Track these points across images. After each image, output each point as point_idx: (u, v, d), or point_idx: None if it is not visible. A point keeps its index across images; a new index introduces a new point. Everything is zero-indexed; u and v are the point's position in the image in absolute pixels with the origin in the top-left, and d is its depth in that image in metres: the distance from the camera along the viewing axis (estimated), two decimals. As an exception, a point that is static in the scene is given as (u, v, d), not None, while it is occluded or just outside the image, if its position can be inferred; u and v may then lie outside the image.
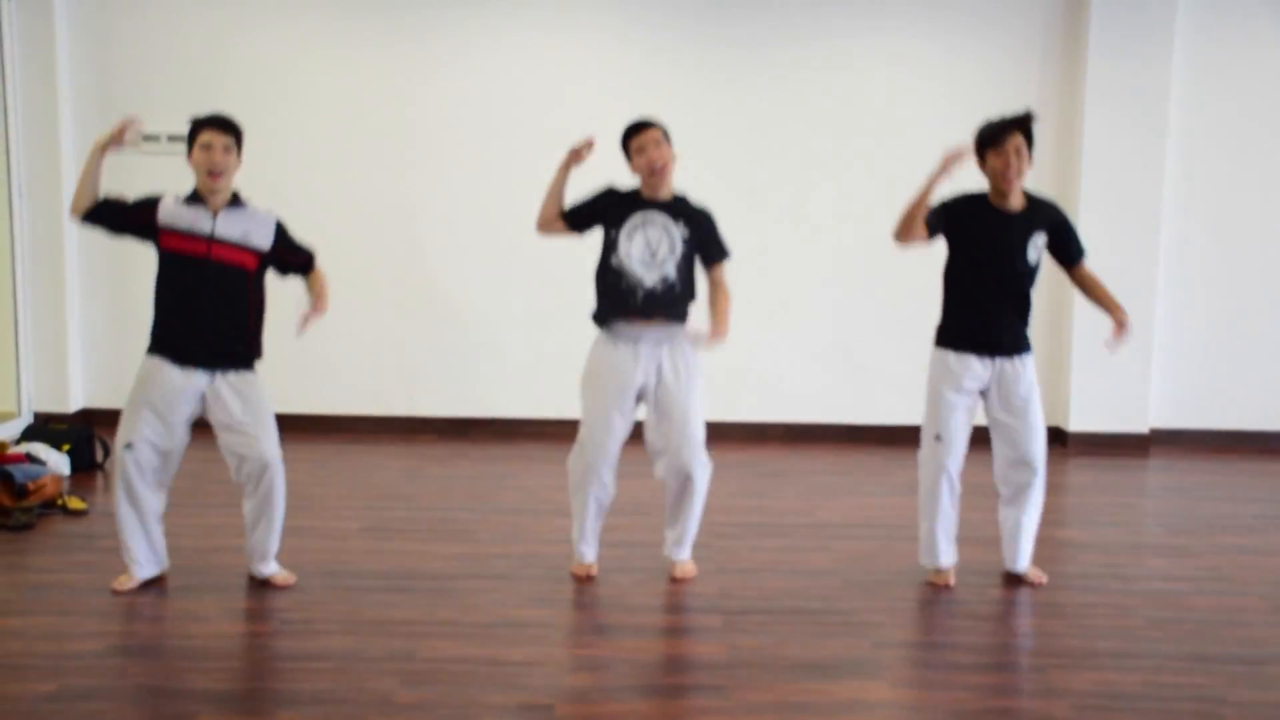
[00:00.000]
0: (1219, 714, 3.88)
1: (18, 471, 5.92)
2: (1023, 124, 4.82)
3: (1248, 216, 7.78)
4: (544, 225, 5.04)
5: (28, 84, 7.51)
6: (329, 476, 6.75)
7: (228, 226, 4.74)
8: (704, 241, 5.00)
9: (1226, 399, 7.88)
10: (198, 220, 4.71)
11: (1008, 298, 4.94)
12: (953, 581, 5.09)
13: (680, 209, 4.97)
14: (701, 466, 4.99)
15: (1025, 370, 4.98)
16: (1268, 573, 5.32)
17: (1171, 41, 7.48)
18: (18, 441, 6.75)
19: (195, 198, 4.74)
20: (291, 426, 7.66)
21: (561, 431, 7.76)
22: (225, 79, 7.55)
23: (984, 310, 4.94)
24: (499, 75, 7.67)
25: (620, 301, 4.89)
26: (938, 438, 5.00)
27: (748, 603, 4.81)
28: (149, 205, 4.74)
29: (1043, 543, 5.41)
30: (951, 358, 4.98)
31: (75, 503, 5.96)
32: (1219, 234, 7.78)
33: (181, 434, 4.84)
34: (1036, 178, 6.93)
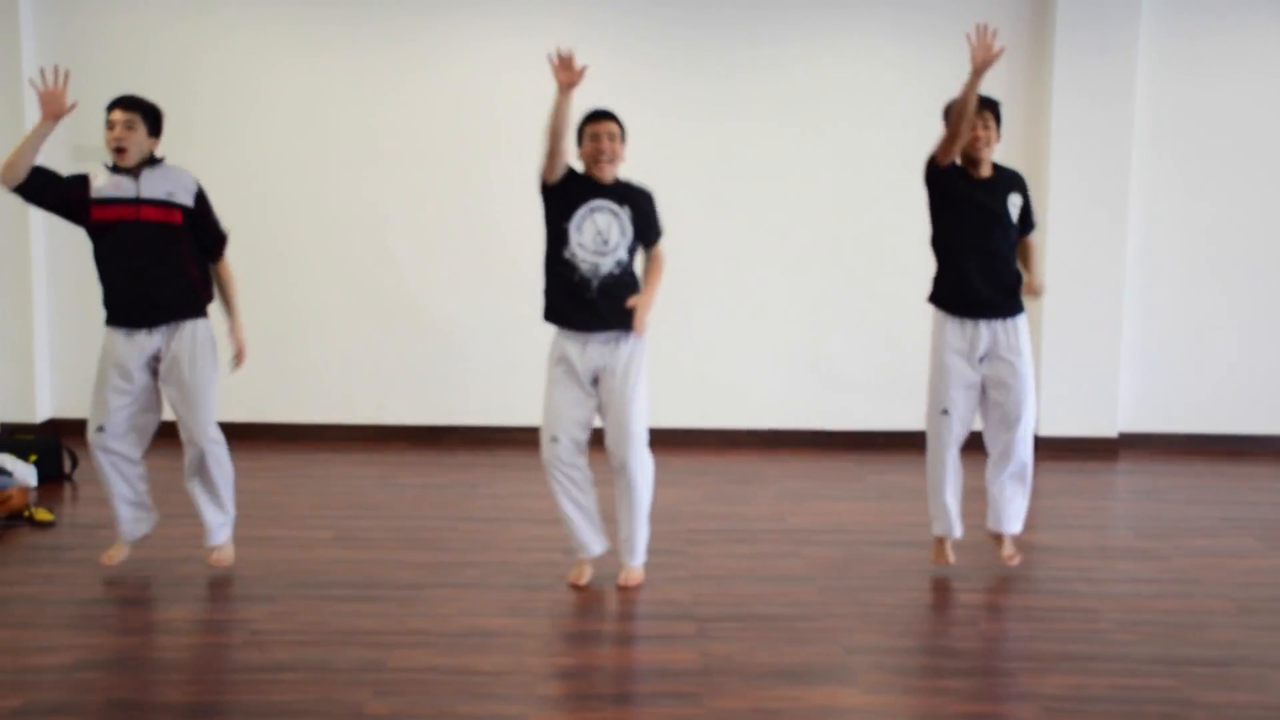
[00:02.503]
0: (1187, 716, 3.91)
1: (-17, 483, 5.88)
2: (991, 103, 5.17)
3: (1216, 219, 7.83)
4: (549, 158, 4.89)
5: (-8, 91, 7.46)
6: (298, 485, 6.72)
7: (152, 186, 4.92)
8: (648, 223, 5.05)
9: (1194, 403, 7.93)
10: (121, 186, 4.89)
11: (997, 257, 5.14)
12: (951, 559, 5.28)
13: (624, 192, 4.99)
14: (640, 465, 5.00)
15: (1015, 332, 5.21)
16: (1235, 575, 5.36)
17: (1137, 37, 7.52)
18: (-17, 452, 6.69)
19: (116, 168, 4.95)
20: (262, 435, 7.69)
21: (533, 439, 7.72)
22: (193, 85, 7.51)
23: (976, 272, 5.13)
24: (467, 82, 7.65)
25: (572, 293, 4.90)
26: (945, 411, 5.20)
27: (720, 609, 4.81)
28: (81, 181, 4.95)
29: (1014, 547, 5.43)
30: (951, 324, 5.18)
31: (42, 514, 5.91)
32: (1187, 237, 7.83)
33: (146, 400, 5.03)
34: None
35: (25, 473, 6.39)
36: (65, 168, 7.45)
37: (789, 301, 7.86)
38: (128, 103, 5.00)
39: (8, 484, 6.01)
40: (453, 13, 7.61)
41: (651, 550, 5.26)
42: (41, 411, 7.73)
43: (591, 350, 4.95)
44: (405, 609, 4.76)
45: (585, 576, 5.09)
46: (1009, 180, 5.23)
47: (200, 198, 5.01)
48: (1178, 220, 7.83)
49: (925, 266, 7.71)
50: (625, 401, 4.96)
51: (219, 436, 5.08)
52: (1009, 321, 5.19)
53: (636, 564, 5.12)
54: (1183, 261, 7.85)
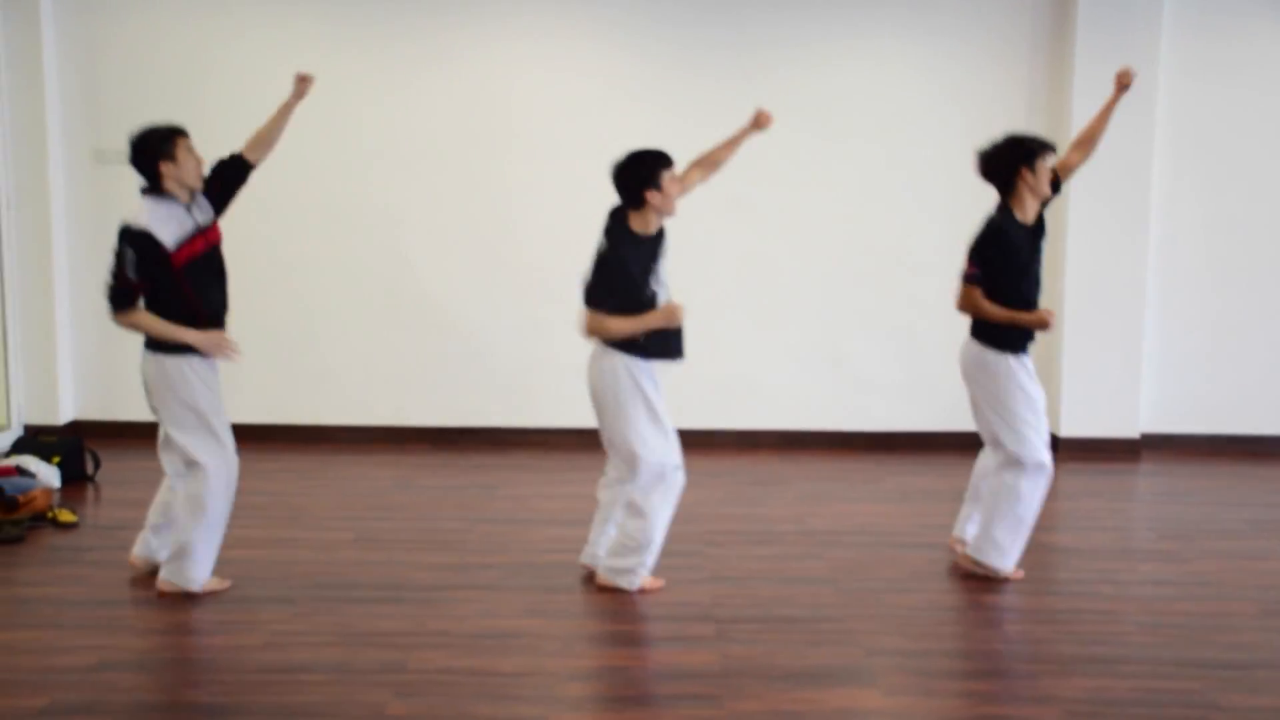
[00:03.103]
0: (1210, 719, 3.89)
1: (7, 484, 5.91)
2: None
3: (1237, 220, 7.79)
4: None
5: (14, 94, 7.49)
6: (318, 487, 6.74)
7: (202, 213, 4.93)
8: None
9: (1217, 404, 7.89)
10: (184, 223, 4.84)
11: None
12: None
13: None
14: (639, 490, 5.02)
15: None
16: (1258, 577, 5.33)
17: (1159, 42, 7.49)
18: (7, 454, 6.73)
19: (166, 200, 4.82)
20: (280, 437, 7.71)
21: (551, 440, 7.78)
22: (211, 87, 7.54)
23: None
24: (485, 83, 7.66)
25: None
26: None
27: (739, 611, 4.81)
28: (158, 250, 4.75)
29: (1034, 548, 5.42)
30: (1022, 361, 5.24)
31: (66, 515, 5.94)
32: (1208, 238, 7.79)
33: None
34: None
35: (49, 474, 6.43)
36: (86, 171, 7.63)
37: (809, 302, 7.84)
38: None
39: (31, 485, 6.05)
40: (468, 14, 7.62)
41: (670, 552, 5.27)
42: (64, 413, 7.78)
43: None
44: (425, 610, 4.78)
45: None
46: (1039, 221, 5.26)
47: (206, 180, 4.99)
48: (1199, 222, 7.79)
49: (945, 268, 7.72)
50: (611, 423, 5.02)
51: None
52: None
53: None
54: (1204, 262, 7.81)
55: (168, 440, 4.94)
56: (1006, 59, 7.66)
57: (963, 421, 7.80)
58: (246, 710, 3.92)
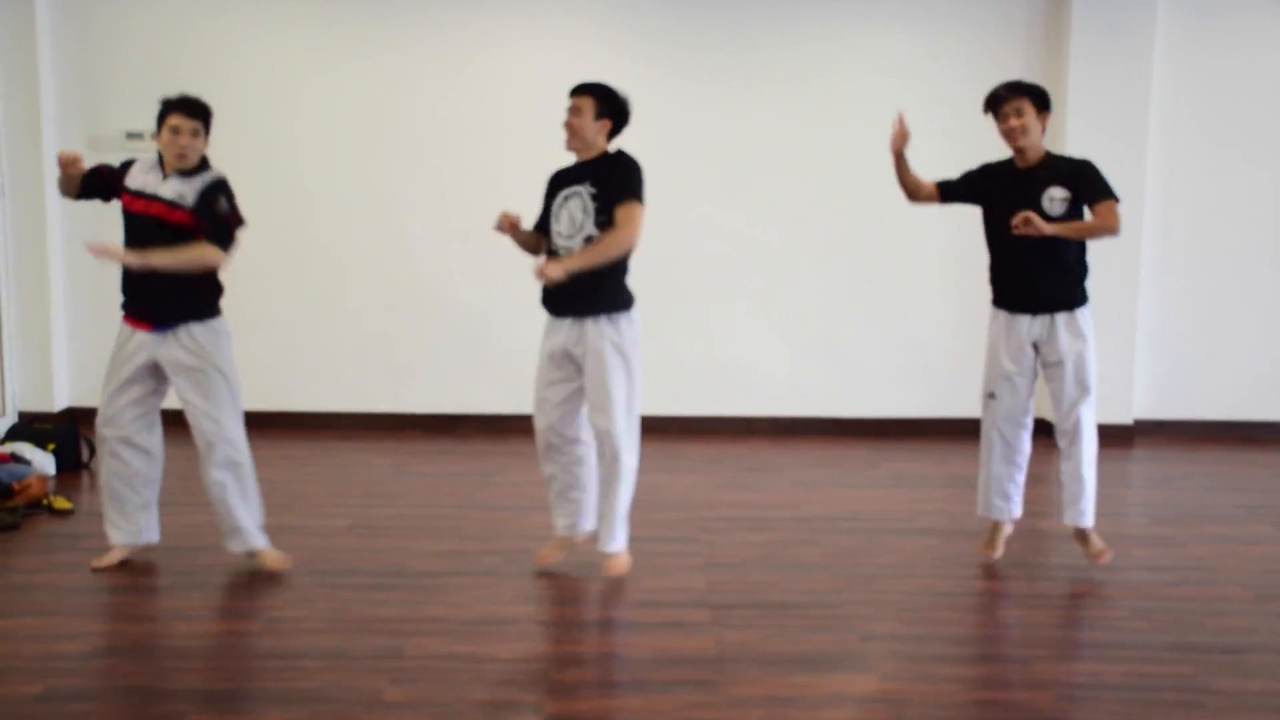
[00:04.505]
0: (1203, 703, 3.91)
1: (2, 472, 5.91)
2: (1023, 90, 5.07)
3: (1231, 207, 7.81)
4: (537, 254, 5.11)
5: (9, 80, 7.47)
6: (315, 474, 6.75)
7: (172, 187, 4.88)
8: (611, 188, 4.89)
9: (1210, 389, 7.91)
10: (149, 182, 4.89)
11: (1033, 253, 5.01)
12: (996, 554, 5.27)
13: (597, 168, 4.94)
14: (625, 449, 4.96)
15: (1061, 328, 5.08)
16: (1250, 562, 5.35)
17: (1152, 37, 7.50)
18: (2, 441, 6.74)
19: (159, 162, 4.95)
20: (277, 423, 7.71)
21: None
22: (208, 75, 7.50)
23: (1016, 268, 5.09)
24: (482, 74, 7.65)
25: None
26: (991, 395, 5.20)
27: (734, 597, 4.83)
28: (122, 170, 4.98)
29: (1027, 534, 5.45)
30: (1003, 317, 5.17)
31: (61, 502, 5.95)
32: (1202, 225, 7.80)
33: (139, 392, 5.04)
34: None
35: (44, 461, 6.44)
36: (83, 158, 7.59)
37: (804, 289, 7.85)
38: (192, 108, 4.90)
39: (26, 473, 6.05)
40: (468, 10, 7.60)
41: (666, 538, 5.29)
42: (59, 400, 7.78)
43: (563, 330, 5.02)
44: (422, 596, 4.79)
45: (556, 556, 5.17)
46: (1057, 170, 5.06)
47: (202, 196, 4.87)
48: (1194, 206, 7.80)
49: (940, 253, 7.74)
50: (602, 386, 4.91)
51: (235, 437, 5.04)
52: (1056, 316, 5.09)
53: (618, 549, 5.06)
54: (1199, 247, 7.82)
55: (218, 423, 4.95)
56: (1001, 54, 7.66)
57: (957, 408, 7.88)
58: (243, 696, 3.93)
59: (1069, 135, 7.54)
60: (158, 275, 4.79)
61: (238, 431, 5.01)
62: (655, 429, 6.78)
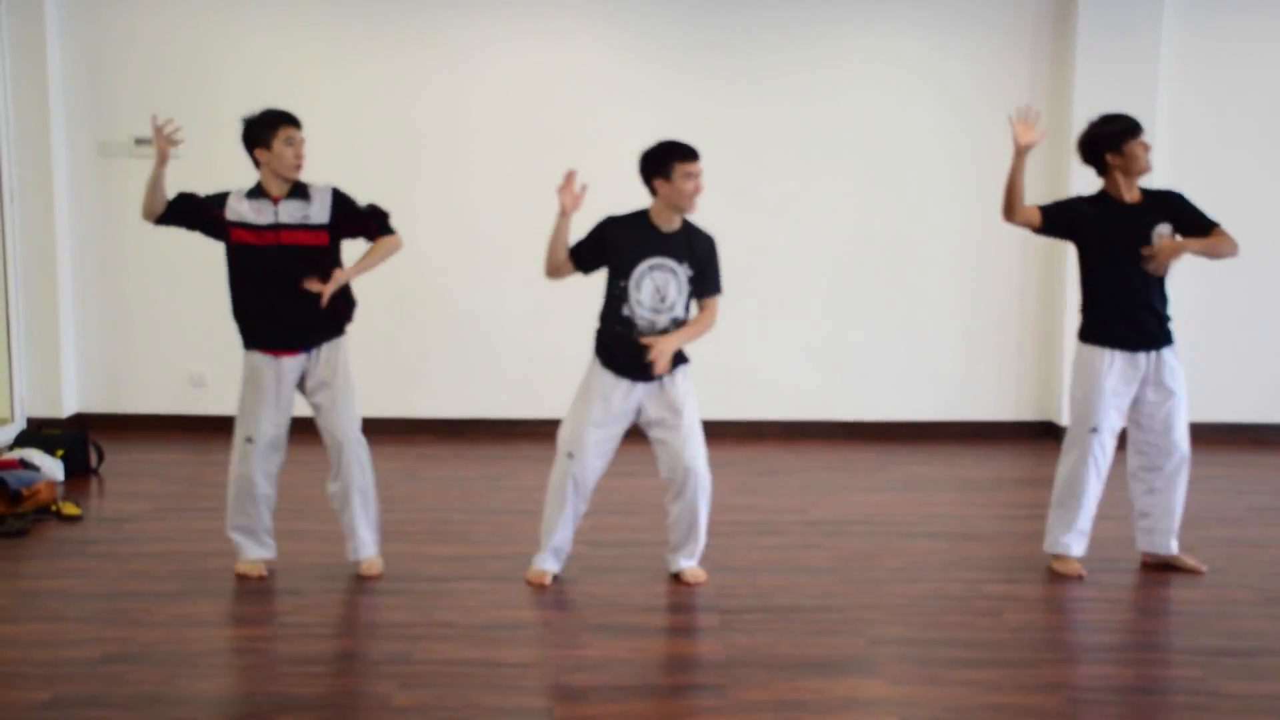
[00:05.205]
0: (1213, 706, 3.90)
1: (11, 477, 5.91)
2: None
3: (1237, 211, 7.73)
4: (553, 273, 4.98)
5: (19, 85, 7.48)
6: (324, 480, 6.73)
7: (289, 212, 4.91)
8: (707, 278, 4.96)
9: (1217, 391, 7.87)
10: (263, 211, 4.89)
11: (1153, 291, 5.12)
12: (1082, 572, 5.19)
13: (685, 244, 4.91)
14: (703, 490, 5.00)
15: (1170, 359, 5.21)
16: (1260, 565, 5.34)
17: (1159, 37, 7.48)
18: (11, 447, 6.74)
19: (257, 191, 4.92)
20: (286, 429, 7.70)
21: (557, 431, 7.76)
22: (217, 82, 7.53)
23: (1138, 306, 5.12)
24: (490, 77, 7.65)
25: (627, 349, 4.88)
26: (1094, 430, 5.16)
27: (744, 601, 4.82)
28: (218, 202, 4.92)
29: (1037, 537, 5.43)
30: (1118, 356, 5.14)
31: (69, 508, 5.95)
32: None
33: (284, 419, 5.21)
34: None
35: (52, 467, 6.44)
36: (92, 163, 7.63)
37: (814, 293, 7.85)
38: (298, 121, 4.99)
39: (35, 478, 6.05)
40: (476, 11, 7.61)
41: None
42: (68, 406, 7.78)
43: (637, 392, 4.95)
44: (431, 601, 4.79)
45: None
46: (1157, 205, 5.19)
47: (337, 202, 4.99)
48: (1202, 207, 7.75)
49: (950, 256, 7.73)
50: (683, 438, 4.94)
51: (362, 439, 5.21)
52: (1163, 353, 5.21)
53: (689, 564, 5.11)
54: (1206, 249, 7.79)
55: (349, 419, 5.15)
56: (1008, 55, 7.67)
57: (966, 412, 7.86)
58: (253, 702, 3.94)
59: (1075, 135, 7.51)
60: (309, 301, 4.90)
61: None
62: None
